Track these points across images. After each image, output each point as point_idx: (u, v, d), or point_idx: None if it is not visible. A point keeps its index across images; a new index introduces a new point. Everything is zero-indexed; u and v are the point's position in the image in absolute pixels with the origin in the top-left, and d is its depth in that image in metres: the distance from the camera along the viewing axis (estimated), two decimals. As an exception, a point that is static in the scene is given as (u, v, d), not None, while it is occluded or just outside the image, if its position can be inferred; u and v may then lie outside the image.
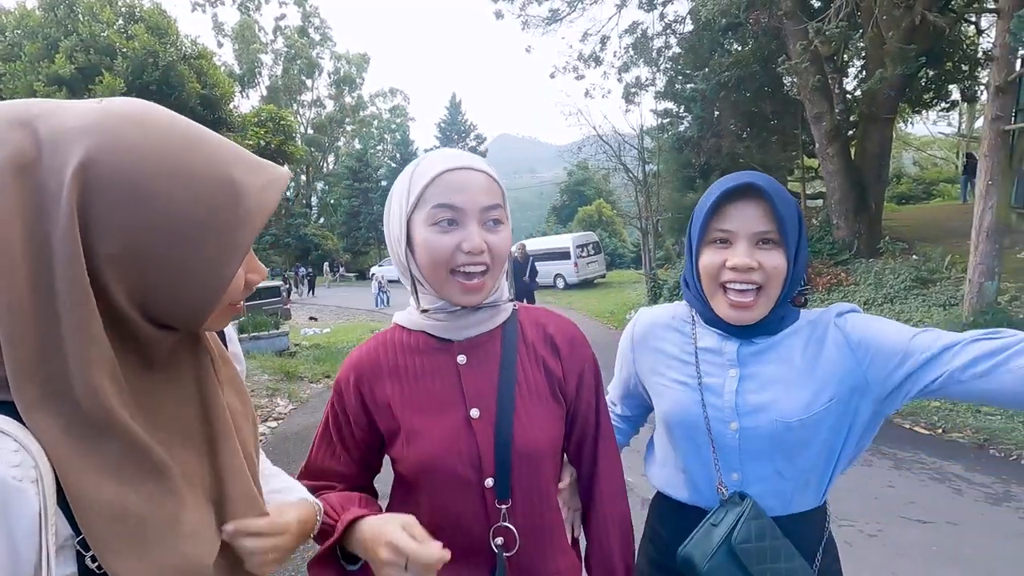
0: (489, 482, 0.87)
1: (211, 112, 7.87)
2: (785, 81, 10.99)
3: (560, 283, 18.47)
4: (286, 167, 0.64)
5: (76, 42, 6.84)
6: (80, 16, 7.15)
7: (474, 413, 0.88)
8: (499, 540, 0.88)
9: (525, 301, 9.53)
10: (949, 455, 3.93)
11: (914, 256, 8.29)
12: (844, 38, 7.45)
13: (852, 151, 9.69)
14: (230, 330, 0.92)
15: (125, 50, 7.06)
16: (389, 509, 0.96)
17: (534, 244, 21.57)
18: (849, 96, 10.32)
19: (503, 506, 0.87)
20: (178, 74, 7.22)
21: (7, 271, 0.51)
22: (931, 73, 10.47)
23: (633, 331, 1.16)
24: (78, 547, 0.56)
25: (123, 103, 0.58)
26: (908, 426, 4.54)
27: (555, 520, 0.94)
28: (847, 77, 10.78)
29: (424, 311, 0.91)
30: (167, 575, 0.58)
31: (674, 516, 1.08)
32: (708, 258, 0.95)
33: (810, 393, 0.94)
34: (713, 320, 1.00)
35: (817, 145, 9.65)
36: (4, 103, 0.55)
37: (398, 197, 0.89)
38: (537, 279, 10.25)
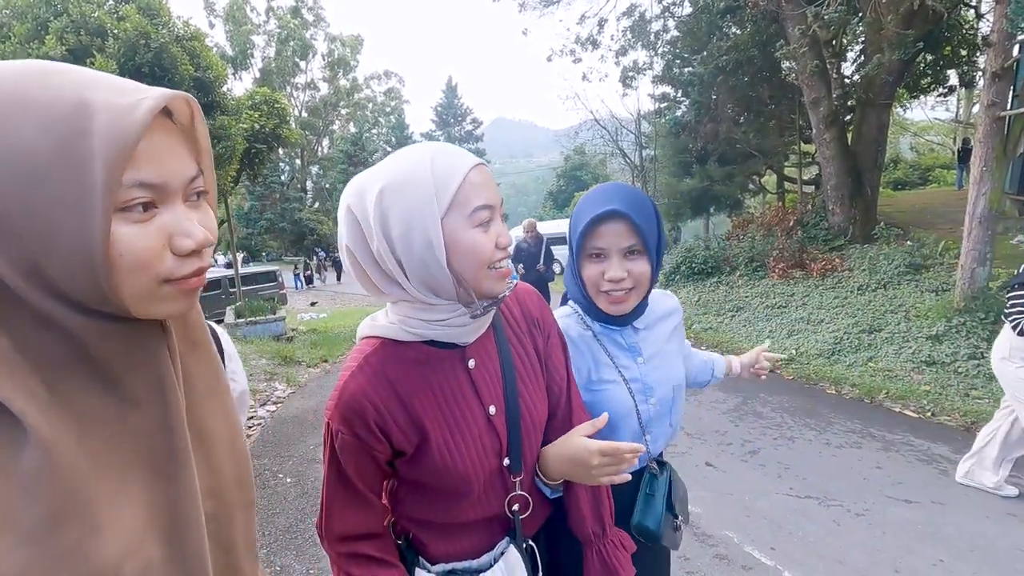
0: (506, 461, 0.96)
1: (205, 94, 7.77)
2: (783, 66, 10.94)
3: (557, 268, 18.47)
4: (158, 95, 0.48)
5: (67, 23, 6.72)
6: (70, -4, 7.02)
7: (492, 411, 0.94)
8: (515, 507, 0.98)
9: None
10: (936, 437, 4.01)
11: (908, 242, 8.34)
12: (843, 23, 7.41)
13: (849, 136, 9.70)
14: (228, 343, 0.79)
15: (116, 31, 6.94)
16: (393, 504, 0.99)
17: (530, 229, 21.43)
18: (847, 81, 10.28)
19: (517, 478, 0.97)
20: (171, 56, 7.11)
21: None
22: (929, 58, 10.44)
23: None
24: None
25: None
26: (898, 409, 4.62)
27: None
28: (845, 62, 10.74)
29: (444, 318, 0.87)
30: (52, 572, 0.48)
31: None
32: (589, 271, 1.14)
33: (679, 360, 1.29)
34: (599, 315, 1.20)
35: (814, 130, 9.64)
36: None
37: (421, 199, 0.80)
38: (553, 267, 7.73)
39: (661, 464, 1.25)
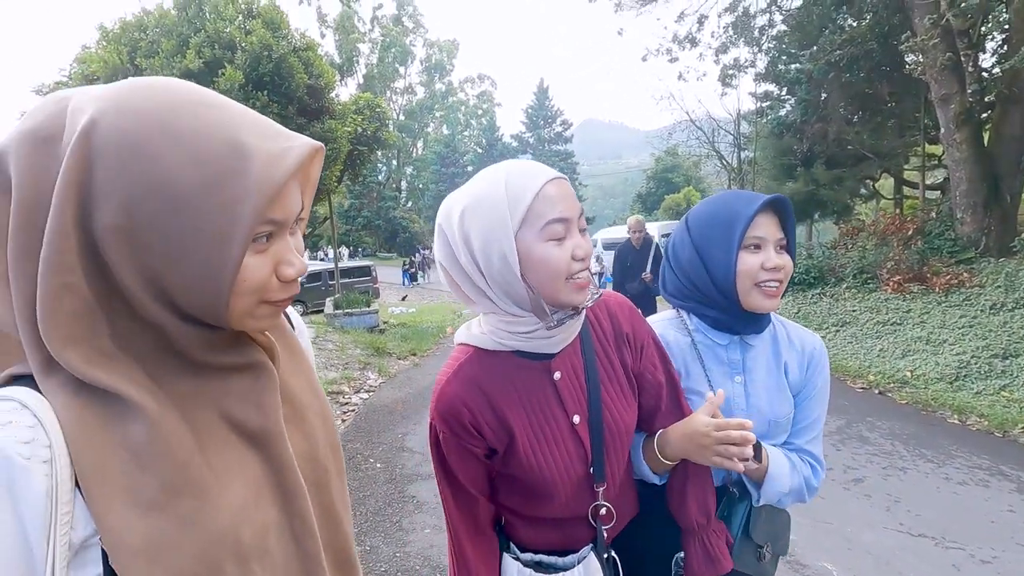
0: (590, 469, 0.99)
1: (315, 100, 8.38)
2: (907, 60, 9.95)
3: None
4: (304, 141, 0.56)
5: (203, 38, 7.53)
6: (207, 14, 7.85)
7: (576, 420, 0.97)
8: (599, 516, 1.00)
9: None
10: (1087, 483, 3.49)
11: (1057, 257, 7.29)
12: (983, 9, 6.61)
13: (985, 137, 8.64)
14: (299, 320, 0.83)
15: (244, 44, 7.69)
16: (494, 494, 1.05)
17: (616, 233, 21.04)
18: (985, 75, 9.16)
19: (600, 488, 0.99)
20: (289, 65, 7.75)
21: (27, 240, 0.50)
22: (1092, 46, 9.06)
23: None
24: (104, 546, 0.51)
25: (146, 78, 0.55)
26: (1037, 447, 4.06)
27: (630, 472, 1.10)
28: (984, 53, 9.56)
29: (531, 330, 0.92)
30: (177, 538, 0.52)
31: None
32: (748, 261, 1.11)
33: (789, 398, 1.19)
34: (723, 323, 1.16)
35: (943, 130, 8.69)
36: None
37: (496, 216, 0.86)
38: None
39: (744, 489, 1.17)
